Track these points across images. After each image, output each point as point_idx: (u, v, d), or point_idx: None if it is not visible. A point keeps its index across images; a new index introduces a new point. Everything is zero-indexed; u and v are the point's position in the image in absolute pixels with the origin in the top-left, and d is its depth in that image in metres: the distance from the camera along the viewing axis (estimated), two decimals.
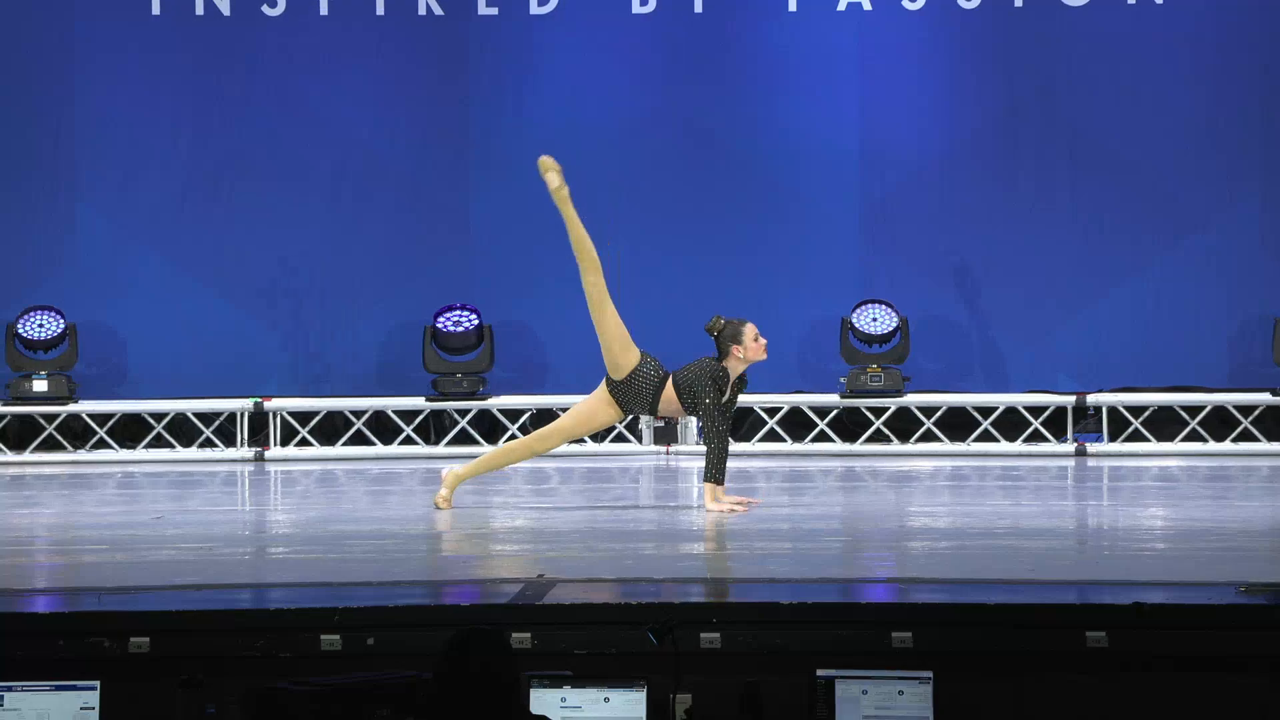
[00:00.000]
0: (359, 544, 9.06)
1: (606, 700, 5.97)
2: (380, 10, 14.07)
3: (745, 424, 13.83)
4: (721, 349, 9.98)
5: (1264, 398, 13.36)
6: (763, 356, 10.06)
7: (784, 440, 13.70)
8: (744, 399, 13.73)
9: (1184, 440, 13.40)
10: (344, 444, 13.85)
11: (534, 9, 14.07)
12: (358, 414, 13.86)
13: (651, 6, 14.02)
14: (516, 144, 14.05)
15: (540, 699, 5.88)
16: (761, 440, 13.69)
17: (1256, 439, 13.33)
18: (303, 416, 13.89)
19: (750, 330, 10.01)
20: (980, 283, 13.94)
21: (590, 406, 10.15)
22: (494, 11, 14.10)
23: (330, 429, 13.95)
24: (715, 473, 9.93)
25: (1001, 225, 13.91)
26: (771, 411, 13.72)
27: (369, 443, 13.83)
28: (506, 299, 14.01)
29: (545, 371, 14.06)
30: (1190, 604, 6.73)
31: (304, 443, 13.83)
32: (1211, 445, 13.34)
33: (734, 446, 13.62)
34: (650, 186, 14.03)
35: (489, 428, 13.90)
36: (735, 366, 10.00)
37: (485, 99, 14.10)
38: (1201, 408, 13.43)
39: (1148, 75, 13.74)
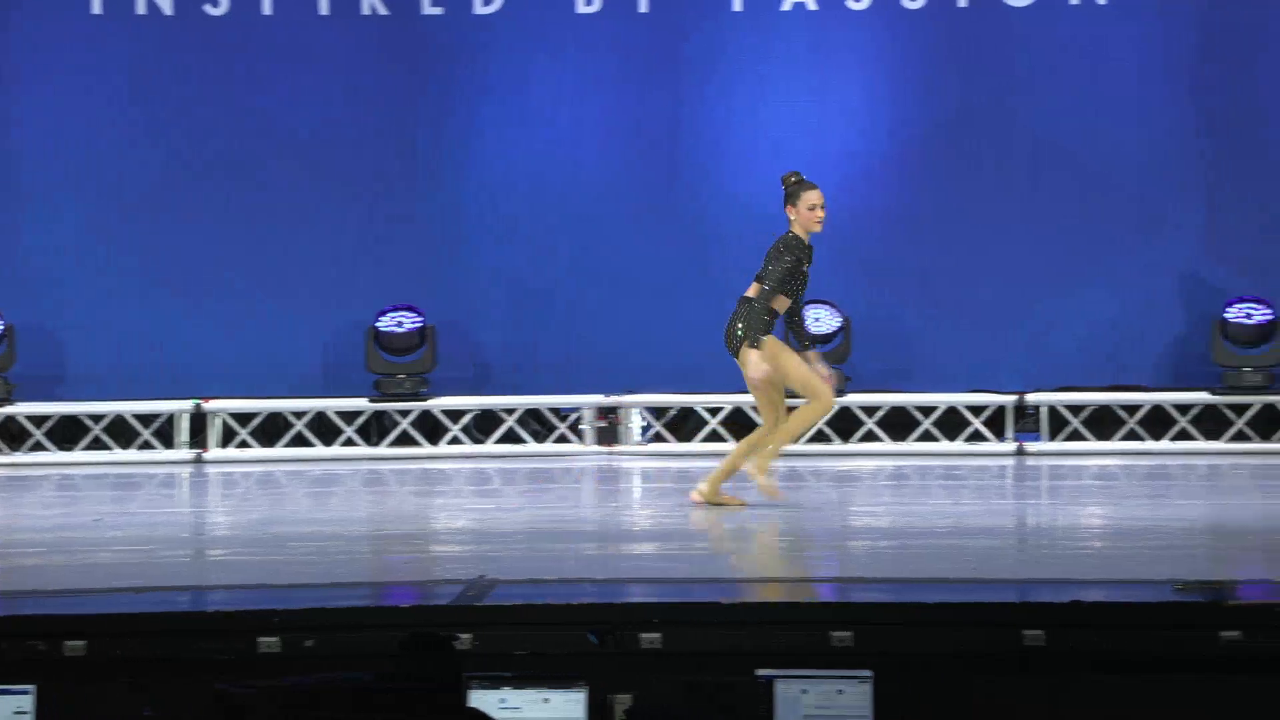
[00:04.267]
0: (300, 545, 9.03)
1: (546, 701, 5.96)
2: (324, 10, 14.03)
3: (688, 424, 13.84)
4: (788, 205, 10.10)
5: (1202, 396, 13.44)
6: (815, 228, 10.07)
7: (726, 440, 13.70)
8: (687, 399, 13.81)
9: (1123, 439, 13.47)
10: (285, 445, 13.79)
11: (478, 9, 14.05)
12: (299, 415, 13.81)
13: (597, 6, 14.02)
14: (462, 144, 14.05)
15: (480, 700, 5.87)
16: (704, 440, 13.70)
17: (1194, 438, 13.41)
18: (243, 418, 13.83)
19: (811, 195, 10.04)
20: (924, 283, 13.97)
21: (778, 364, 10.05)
22: (439, 11, 14.07)
23: (271, 430, 13.90)
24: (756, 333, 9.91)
25: (945, 226, 13.94)
26: (714, 411, 13.73)
27: (310, 444, 13.78)
28: (450, 299, 13.98)
29: (487, 372, 14.04)
30: (1127, 602, 6.77)
31: (244, 444, 13.77)
32: (1150, 444, 13.41)
33: (674, 447, 13.71)
34: (599, 186, 14.02)
35: (431, 429, 13.87)
36: (798, 230, 10.06)
37: (431, 99, 14.07)
38: (1140, 406, 13.50)
39: (1090, 76, 13.79)
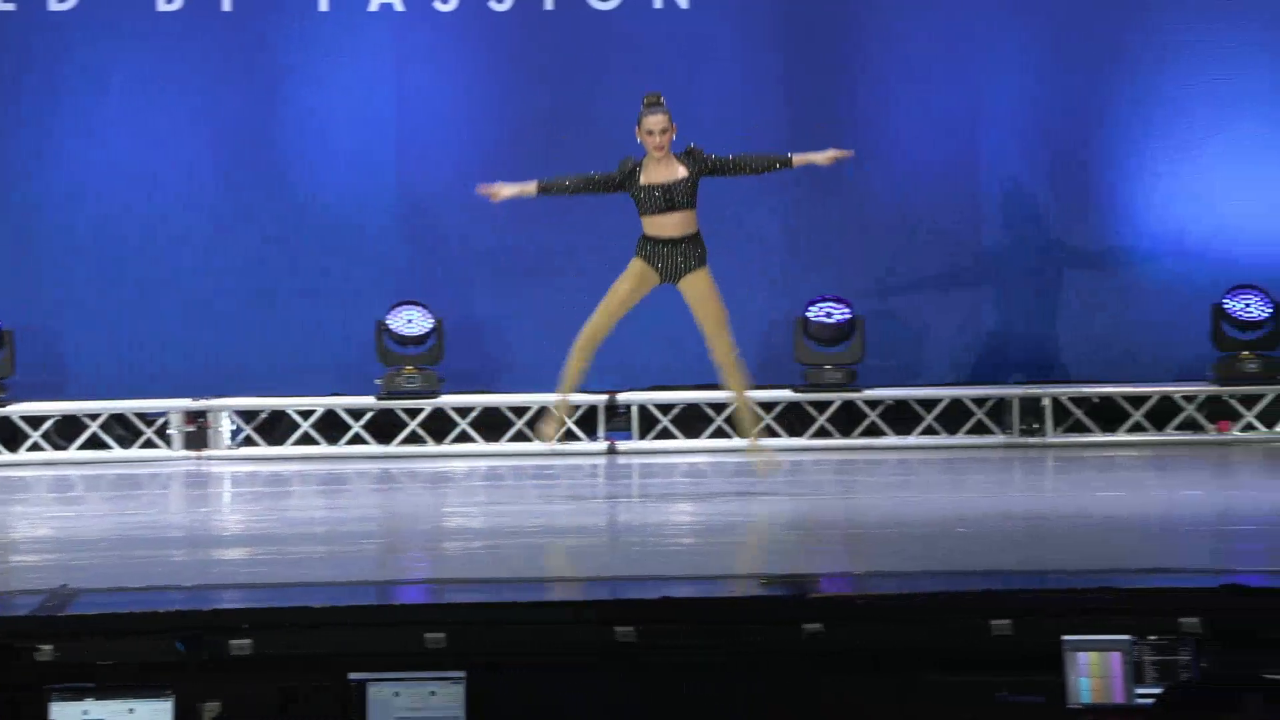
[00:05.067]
0: None
1: (131, 711, 5.84)
2: None
3: (279, 427, 13.68)
4: None
5: (785, 394, 13.80)
6: (652, 152, 10.48)
7: (319, 443, 13.59)
8: (278, 402, 13.63)
9: (711, 437, 13.74)
10: None
11: (52, 5, 13.67)
12: None
13: (178, 5, 13.75)
14: (36, 147, 13.68)
15: (61, 712, 5.72)
16: (296, 444, 13.56)
17: (779, 434, 13.75)
18: None
19: (646, 121, 10.45)
20: (520, 282, 14.05)
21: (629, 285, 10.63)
22: (10, 8, 13.66)
23: None
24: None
25: (544, 224, 13.99)
26: (306, 414, 13.60)
27: None
28: (29, 304, 13.60)
29: (69, 377, 13.69)
30: (716, 597, 6.90)
31: None
32: (736, 441, 13.68)
33: (265, 451, 13.54)
34: (183, 188, 13.77)
35: (10, 436, 13.45)
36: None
37: (3, 99, 13.67)
38: (726, 405, 13.78)
39: (676, 77, 13.99)
